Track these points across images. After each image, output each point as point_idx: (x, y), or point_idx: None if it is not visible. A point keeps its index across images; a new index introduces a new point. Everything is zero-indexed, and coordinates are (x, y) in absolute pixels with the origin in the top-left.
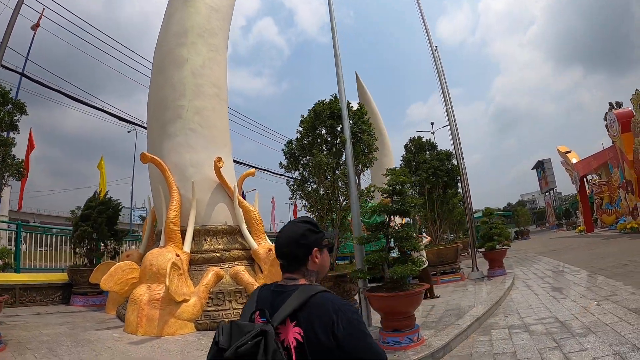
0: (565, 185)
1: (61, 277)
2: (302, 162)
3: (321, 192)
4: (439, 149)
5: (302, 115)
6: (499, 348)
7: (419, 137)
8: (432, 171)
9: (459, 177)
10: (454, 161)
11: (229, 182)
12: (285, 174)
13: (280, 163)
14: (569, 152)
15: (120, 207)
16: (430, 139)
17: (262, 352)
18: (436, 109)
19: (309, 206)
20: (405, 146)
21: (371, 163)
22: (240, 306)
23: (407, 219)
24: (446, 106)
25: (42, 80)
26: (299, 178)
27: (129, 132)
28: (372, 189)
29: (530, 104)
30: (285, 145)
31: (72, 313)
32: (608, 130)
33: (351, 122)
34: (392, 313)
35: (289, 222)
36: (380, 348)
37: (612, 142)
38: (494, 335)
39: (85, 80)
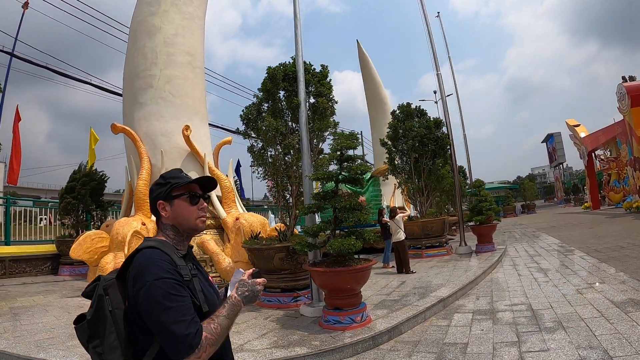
0: (576, 160)
1: (50, 248)
2: (263, 128)
3: (280, 159)
4: (428, 116)
5: None
6: (452, 337)
7: (407, 103)
8: (419, 139)
9: (448, 147)
10: (444, 129)
11: (201, 150)
12: None
13: (238, 129)
14: (577, 125)
15: (105, 178)
16: (419, 106)
17: (94, 294)
18: (448, 80)
19: (265, 174)
20: (392, 113)
21: (328, 127)
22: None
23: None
24: (437, 72)
25: (31, 59)
26: (255, 144)
27: None
28: (332, 158)
29: (544, 77)
30: (242, 110)
31: (55, 282)
32: (618, 105)
33: (312, 87)
34: (334, 290)
35: None
36: (181, 328)
37: (623, 117)
38: (454, 321)
39: (96, 58)
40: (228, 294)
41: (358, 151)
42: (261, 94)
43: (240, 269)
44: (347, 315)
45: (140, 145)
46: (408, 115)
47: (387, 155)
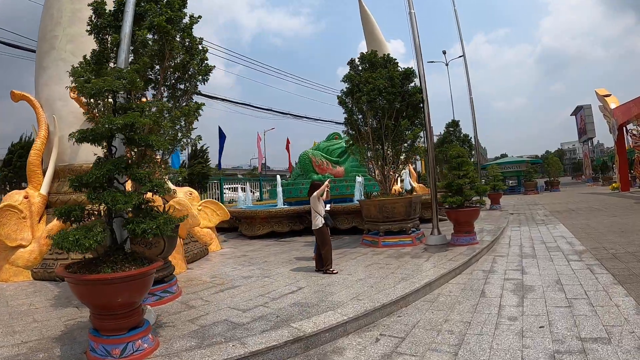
0: (607, 137)
1: None
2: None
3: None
4: (399, 67)
5: None
6: None
7: (373, 51)
8: (377, 93)
9: (421, 104)
10: (417, 81)
11: None
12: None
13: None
14: (608, 95)
15: None
16: (388, 54)
17: None
18: (480, 50)
19: None
20: (351, 62)
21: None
22: (80, 257)
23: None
24: (410, 10)
25: None
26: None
27: None
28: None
29: (579, 48)
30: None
31: None
32: None
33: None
34: (91, 306)
35: None
36: None
37: None
38: None
39: None
40: None
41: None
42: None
43: None
44: (104, 343)
45: (39, 112)
46: (372, 65)
47: (345, 117)
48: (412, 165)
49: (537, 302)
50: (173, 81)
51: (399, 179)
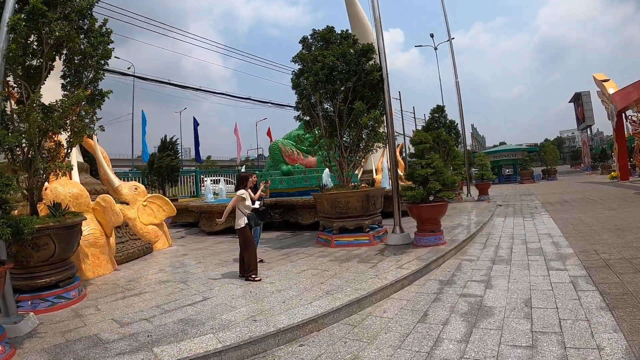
0: (607, 125)
1: None
2: None
3: None
4: (359, 44)
5: None
6: None
7: (329, 27)
8: (326, 73)
9: (380, 83)
10: (376, 59)
11: None
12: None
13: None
14: (606, 80)
15: None
16: (347, 30)
17: None
18: (479, 39)
19: None
20: (304, 40)
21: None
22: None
23: None
24: None
25: None
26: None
27: (128, 68)
28: None
29: (577, 37)
30: None
31: None
32: None
33: None
34: None
35: None
36: None
37: None
38: None
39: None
40: None
41: None
42: None
43: None
44: None
45: None
46: (328, 43)
47: (296, 100)
48: (400, 155)
49: (490, 335)
50: (75, 68)
51: (379, 169)
